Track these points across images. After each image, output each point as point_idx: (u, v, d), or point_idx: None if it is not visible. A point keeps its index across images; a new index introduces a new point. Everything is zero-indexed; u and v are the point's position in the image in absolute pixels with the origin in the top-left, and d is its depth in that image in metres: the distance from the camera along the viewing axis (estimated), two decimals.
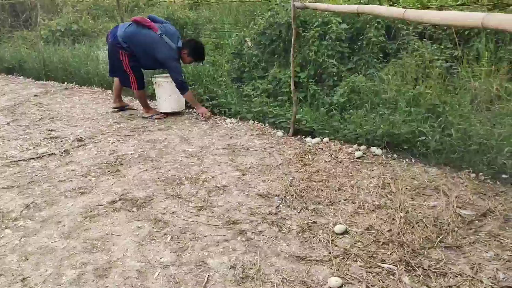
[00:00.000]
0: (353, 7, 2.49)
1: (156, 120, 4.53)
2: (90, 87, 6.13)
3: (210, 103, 4.67)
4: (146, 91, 4.75)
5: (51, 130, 4.24)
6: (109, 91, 5.81)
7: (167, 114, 4.65)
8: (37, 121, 4.65)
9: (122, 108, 4.87)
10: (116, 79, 4.72)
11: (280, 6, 5.38)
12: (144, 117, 4.61)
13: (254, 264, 2.08)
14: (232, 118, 4.41)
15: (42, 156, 3.57)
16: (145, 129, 4.20)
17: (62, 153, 3.62)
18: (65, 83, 6.50)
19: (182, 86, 4.30)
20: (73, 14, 8.25)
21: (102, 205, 2.73)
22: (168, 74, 4.45)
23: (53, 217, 2.61)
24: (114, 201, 2.77)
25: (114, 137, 3.97)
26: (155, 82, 4.60)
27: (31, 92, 6.12)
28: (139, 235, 2.38)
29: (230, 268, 2.05)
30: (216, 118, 4.53)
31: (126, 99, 5.23)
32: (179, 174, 3.14)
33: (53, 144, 3.86)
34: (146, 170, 3.24)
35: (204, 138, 3.88)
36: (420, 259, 2.04)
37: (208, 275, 2.01)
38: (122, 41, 4.19)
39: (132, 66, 4.33)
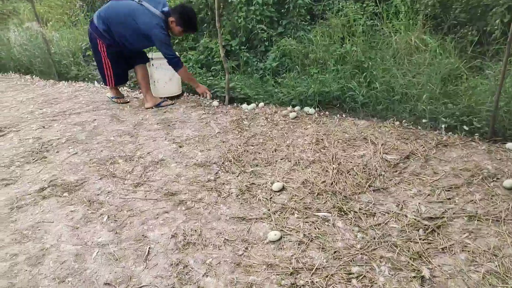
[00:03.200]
0: None
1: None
2: (5, 74, 5.59)
3: None
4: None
5: None
6: (27, 76, 5.34)
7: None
8: None
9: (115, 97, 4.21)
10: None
11: None
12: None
13: (195, 230, 2.08)
14: None
15: None
16: (72, 112, 3.94)
17: None
18: None
19: (174, 62, 3.61)
20: None
21: (30, 194, 2.55)
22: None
23: None
24: (43, 189, 2.60)
25: (37, 124, 3.69)
26: (152, 64, 3.99)
27: None
28: (73, 219, 2.27)
29: (171, 238, 2.04)
30: None
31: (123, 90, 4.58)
32: (112, 154, 3.01)
33: None
34: (76, 153, 3.07)
35: (137, 115, 3.73)
36: (352, 204, 2.16)
37: (149, 248, 1.98)
38: (99, 23, 3.53)
39: (110, 59, 3.69)
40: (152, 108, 3.89)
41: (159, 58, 3.86)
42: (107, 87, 4.08)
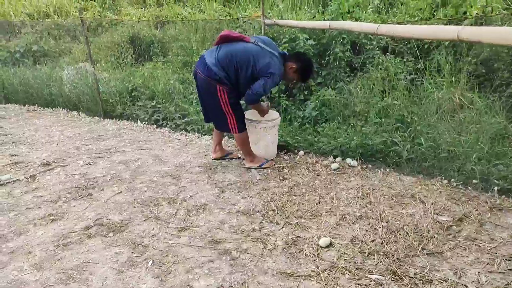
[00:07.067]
0: (325, 23, 2.56)
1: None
2: (54, 109, 5.87)
3: (183, 120, 4.61)
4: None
5: (15, 155, 4.00)
6: (74, 112, 5.59)
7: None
8: None
9: (224, 157, 3.76)
10: None
11: (248, 24, 5.47)
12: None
13: (242, 284, 2.03)
14: (207, 135, 4.35)
15: (6, 183, 3.35)
16: (116, 150, 4.06)
17: (27, 178, 3.42)
18: (27, 105, 6.20)
19: (253, 99, 3.26)
20: (33, 35, 7.95)
21: (76, 231, 2.59)
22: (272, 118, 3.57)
23: (22, 247, 2.43)
24: (88, 227, 2.63)
25: (83, 160, 3.80)
26: (265, 128, 3.54)
27: None
28: (118, 261, 2.27)
29: None
30: (189, 135, 4.45)
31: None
32: (155, 195, 3.04)
33: (17, 169, 3.64)
34: (121, 192, 3.12)
35: (178, 157, 3.80)
36: (406, 268, 2.07)
37: None
38: (219, 69, 3.11)
39: (232, 104, 3.23)
40: (255, 168, 3.50)
41: (269, 121, 3.55)
42: (211, 152, 3.76)
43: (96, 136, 4.53)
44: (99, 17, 9.25)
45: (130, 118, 5.02)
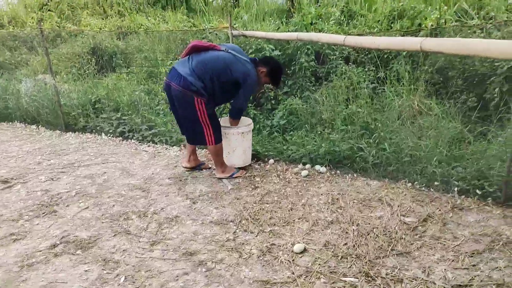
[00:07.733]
0: (293, 35, 2.62)
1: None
2: (10, 123, 5.60)
3: (150, 132, 4.53)
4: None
5: None
6: (33, 126, 5.35)
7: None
8: None
9: (196, 167, 3.71)
10: None
11: (214, 34, 5.50)
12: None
13: None
14: (175, 147, 4.30)
15: None
16: (80, 164, 3.92)
17: None
18: None
19: (238, 115, 3.50)
20: None
21: (41, 251, 2.47)
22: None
23: None
24: (54, 245, 2.52)
25: (45, 175, 3.64)
26: (242, 133, 3.56)
27: None
28: (88, 279, 2.18)
29: None
30: (157, 147, 4.38)
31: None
32: (125, 209, 2.96)
33: None
34: (87, 207, 3.01)
35: (147, 169, 3.73)
36: (378, 269, 2.14)
37: None
38: (195, 79, 3.08)
39: (209, 115, 3.22)
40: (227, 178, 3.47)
41: (245, 126, 3.60)
42: (184, 161, 3.68)
43: (58, 150, 4.35)
44: (57, 27, 8.94)
45: (94, 130, 4.87)
